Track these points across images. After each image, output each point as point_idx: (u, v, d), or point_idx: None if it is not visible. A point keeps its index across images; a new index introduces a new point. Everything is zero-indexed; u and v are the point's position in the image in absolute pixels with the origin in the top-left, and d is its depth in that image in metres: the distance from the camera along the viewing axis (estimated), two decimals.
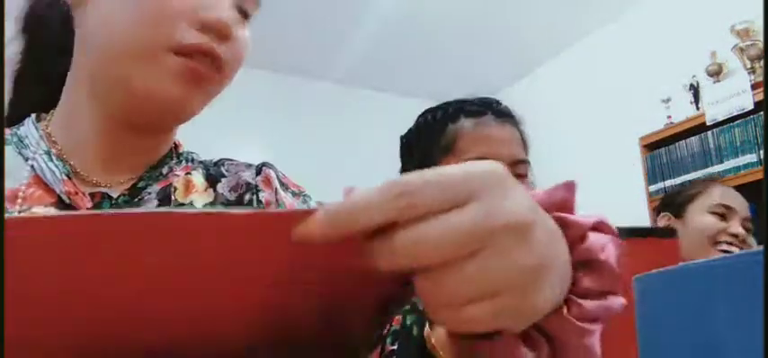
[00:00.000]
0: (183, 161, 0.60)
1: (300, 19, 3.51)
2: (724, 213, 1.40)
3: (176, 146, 0.61)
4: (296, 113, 4.03)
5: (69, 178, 0.51)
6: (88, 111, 0.52)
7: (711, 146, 2.71)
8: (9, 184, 0.49)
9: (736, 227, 1.40)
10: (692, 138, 2.80)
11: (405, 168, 1.00)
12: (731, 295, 0.25)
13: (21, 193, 0.49)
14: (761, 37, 2.65)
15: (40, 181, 0.50)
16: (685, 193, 1.47)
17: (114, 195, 0.53)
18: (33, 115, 0.55)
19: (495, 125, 0.92)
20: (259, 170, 0.61)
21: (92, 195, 0.52)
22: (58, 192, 0.50)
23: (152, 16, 0.48)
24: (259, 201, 0.59)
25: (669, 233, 1.14)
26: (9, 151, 0.51)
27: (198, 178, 0.59)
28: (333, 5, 3.40)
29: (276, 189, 0.61)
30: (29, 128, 0.54)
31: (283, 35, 3.68)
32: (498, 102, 0.96)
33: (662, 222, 1.45)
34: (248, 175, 0.61)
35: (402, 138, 1.04)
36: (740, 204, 1.44)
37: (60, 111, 0.55)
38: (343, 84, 4.22)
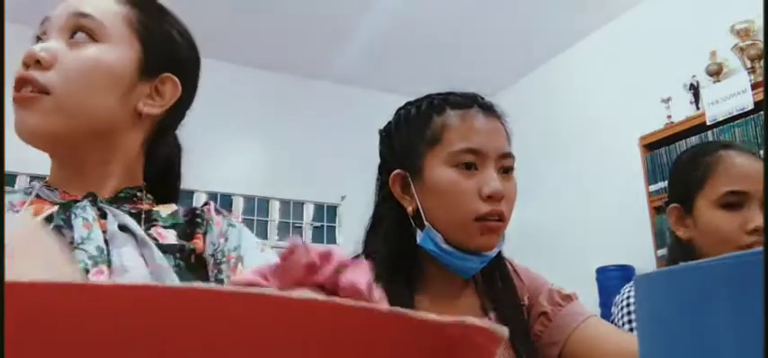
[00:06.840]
0: (151, 199, 0.76)
1: (300, 19, 3.51)
2: (737, 202, 1.07)
3: (146, 186, 0.78)
4: (296, 113, 4.03)
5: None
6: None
7: None
8: (18, 199, 0.68)
9: (755, 218, 1.05)
10: (692, 137, 2.79)
11: (385, 162, 0.97)
12: (731, 295, 0.25)
13: (27, 202, 0.67)
14: (761, 37, 2.65)
15: (41, 199, 0.69)
16: (693, 176, 1.13)
17: (99, 197, 0.69)
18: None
19: (482, 117, 0.90)
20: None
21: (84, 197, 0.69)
22: (55, 200, 0.68)
23: None
24: (203, 219, 0.75)
25: None
26: (18, 195, 0.70)
27: (160, 208, 0.75)
28: (333, 5, 3.40)
29: (213, 214, 0.76)
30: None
31: (283, 34, 3.68)
32: (482, 97, 0.95)
33: (672, 217, 1.16)
34: (197, 207, 0.78)
35: (381, 131, 1.00)
36: (755, 178, 1.08)
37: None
38: (344, 84, 4.22)
